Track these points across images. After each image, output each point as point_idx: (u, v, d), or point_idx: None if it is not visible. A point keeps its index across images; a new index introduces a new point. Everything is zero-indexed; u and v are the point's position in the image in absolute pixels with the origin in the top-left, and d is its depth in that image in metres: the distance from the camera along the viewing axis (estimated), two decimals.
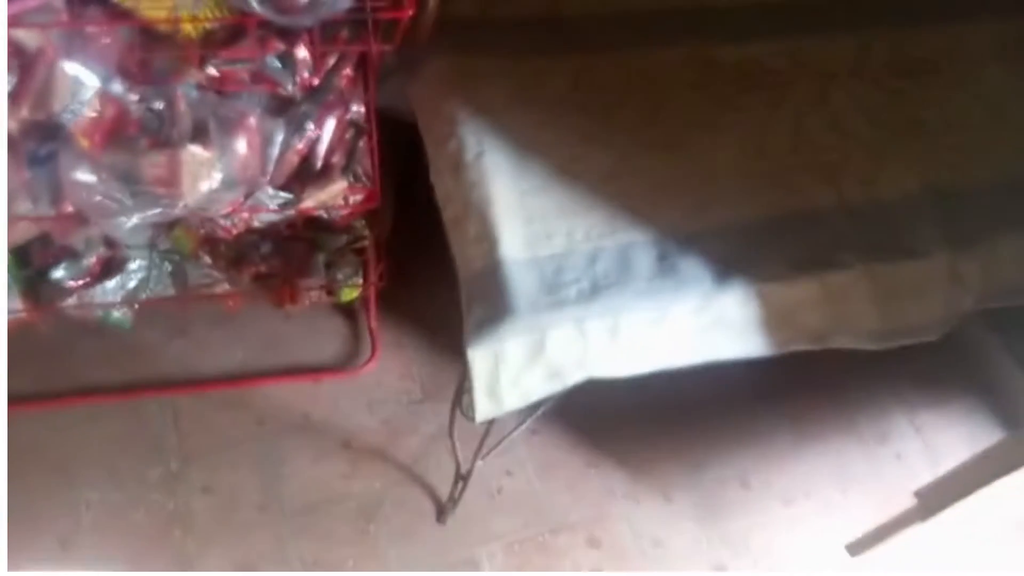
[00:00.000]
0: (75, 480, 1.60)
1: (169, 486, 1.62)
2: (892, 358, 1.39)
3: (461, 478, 1.56)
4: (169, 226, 1.54)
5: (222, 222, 1.49)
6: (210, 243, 1.61)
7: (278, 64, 1.39)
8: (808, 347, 1.31)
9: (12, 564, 1.44)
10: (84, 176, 1.29)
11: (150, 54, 1.29)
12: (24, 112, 1.26)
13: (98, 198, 1.30)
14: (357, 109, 1.49)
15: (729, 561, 1.69)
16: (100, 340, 1.73)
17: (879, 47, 1.63)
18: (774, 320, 1.27)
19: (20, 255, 1.52)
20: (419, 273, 1.86)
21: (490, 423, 1.32)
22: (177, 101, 1.33)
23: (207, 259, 1.64)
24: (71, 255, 1.54)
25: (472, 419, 1.22)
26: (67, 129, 1.28)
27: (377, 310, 1.85)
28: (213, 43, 1.32)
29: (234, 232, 1.53)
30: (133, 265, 1.60)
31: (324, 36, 1.38)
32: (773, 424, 1.88)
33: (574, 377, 1.21)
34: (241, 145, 1.37)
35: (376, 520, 1.64)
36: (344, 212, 1.56)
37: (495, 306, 1.19)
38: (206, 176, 1.35)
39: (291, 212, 1.49)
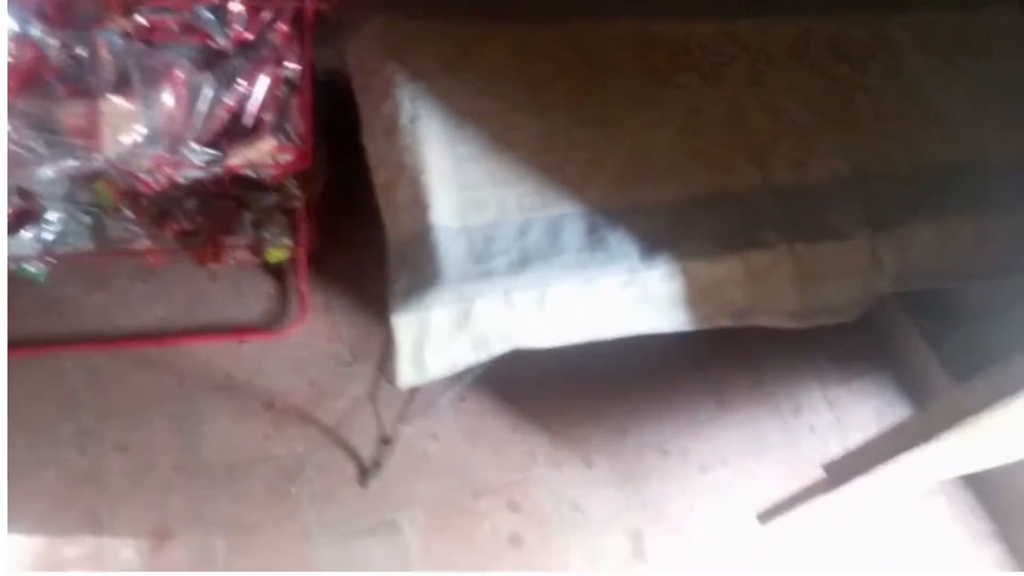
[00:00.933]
0: None
1: (82, 444, 1.59)
2: (810, 334, 1.45)
3: (384, 441, 1.56)
4: (89, 178, 1.49)
5: (145, 176, 1.45)
6: (132, 197, 1.56)
7: (210, 16, 1.35)
8: (730, 324, 1.35)
9: None
10: None
11: None
12: None
13: (10, 146, 1.25)
14: (292, 67, 1.46)
15: (646, 526, 1.74)
16: (14, 293, 1.66)
17: (821, 31, 1.65)
18: (698, 296, 1.30)
19: None
20: (350, 235, 1.84)
21: (415, 388, 1.33)
22: (99, 48, 1.28)
23: (129, 214, 1.59)
24: None
25: (395, 384, 1.23)
26: None
27: (306, 271, 1.82)
28: None
29: (157, 187, 1.49)
30: (51, 217, 1.55)
31: None
32: (694, 394, 1.93)
33: (500, 347, 1.22)
34: (167, 98, 1.33)
35: (297, 482, 1.63)
36: (273, 172, 1.53)
37: (423, 274, 1.18)
38: (128, 128, 1.31)
39: (217, 169, 1.46)
